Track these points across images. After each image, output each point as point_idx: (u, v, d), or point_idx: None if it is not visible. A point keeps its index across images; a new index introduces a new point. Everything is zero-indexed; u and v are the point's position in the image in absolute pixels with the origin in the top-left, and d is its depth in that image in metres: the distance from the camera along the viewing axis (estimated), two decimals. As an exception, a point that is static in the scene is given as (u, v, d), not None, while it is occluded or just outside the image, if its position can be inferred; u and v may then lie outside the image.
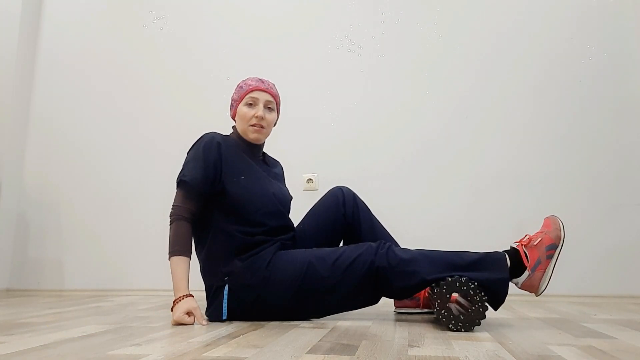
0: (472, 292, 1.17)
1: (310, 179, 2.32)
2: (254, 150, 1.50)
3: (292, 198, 1.56)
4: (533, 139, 2.16)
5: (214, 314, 1.34)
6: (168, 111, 2.54)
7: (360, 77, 2.38)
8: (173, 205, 1.37)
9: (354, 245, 1.34)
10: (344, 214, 1.50)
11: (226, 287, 1.33)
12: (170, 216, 1.36)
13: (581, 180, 2.09)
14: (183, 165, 1.41)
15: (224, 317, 1.33)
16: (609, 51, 2.16)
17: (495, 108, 2.22)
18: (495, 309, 1.23)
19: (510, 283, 1.24)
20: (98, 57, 2.67)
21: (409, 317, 1.46)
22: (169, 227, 1.36)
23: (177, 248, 1.32)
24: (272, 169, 1.57)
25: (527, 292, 1.99)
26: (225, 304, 1.33)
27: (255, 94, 1.45)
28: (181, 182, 1.38)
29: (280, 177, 1.61)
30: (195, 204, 1.37)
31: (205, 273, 1.40)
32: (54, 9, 2.77)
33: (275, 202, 1.43)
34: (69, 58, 2.71)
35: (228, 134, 1.55)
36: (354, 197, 1.53)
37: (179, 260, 1.31)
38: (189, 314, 1.28)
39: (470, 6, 2.33)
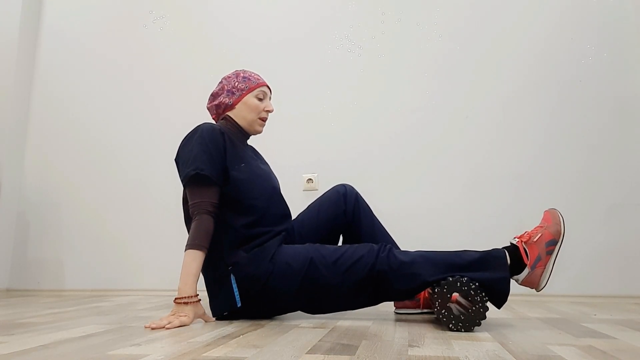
0: (472, 293, 1.17)
1: (310, 179, 2.32)
2: (244, 139, 1.53)
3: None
4: (533, 139, 2.16)
5: (224, 304, 1.33)
6: (168, 111, 2.54)
7: (361, 76, 2.38)
8: (193, 203, 1.32)
9: (356, 245, 1.34)
10: (344, 210, 1.51)
11: (232, 277, 1.33)
12: (192, 213, 1.32)
13: (581, 179, 2.09)
14: (189, 159, 1.34)
15: (239, 305, 1.32)
16: (609, 51, 2.16)
17: (496, 108, 2.22)
18: (499, 307, 1.24)
19: (511, 279, 1.24)
20: (98, 57, 2.67)
21: (409, 317, 1.46)
22: (192, 222, 1.31)
23: (197, 242, 1.28)
24: (258, 156, 1.60)
25: (528, 292, 2.00)
26: (236, 291, 1.32)
27: (265, 89, 1.51)
28: (197, 176, 1.32)
29: (267, 163, 1.63)
30: (215, 195, 1.34)
31: (207, 264, 1.35)
32: (54, 10, 2.77)
33: (275, 187, 1.48)
34: (68, 58, 2.71)
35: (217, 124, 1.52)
36: (356, 196, 1.54)
37: (196, 254, 1.28)
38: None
39: (470, 6, 2.33)
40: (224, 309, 1.34)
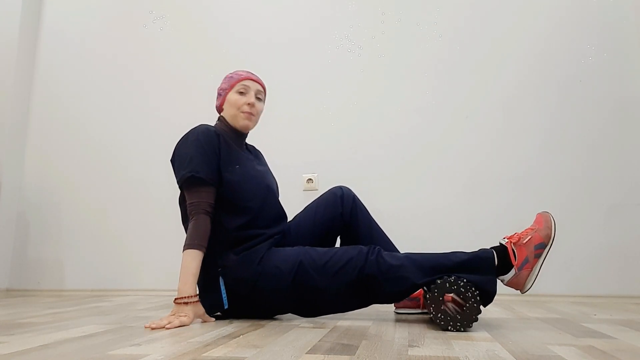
0: (463, 290, 1.19)
1: (310, 179, 2.32)
2: (240, 139, 1.52)
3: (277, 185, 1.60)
4: (533, 139, 2.16)
5: (213, 306, 1.34)
6: (168, 111, 2.54)
7: (360, 77, 2.38)
8: (190, 203, 1.34)
9: (346, 247, 1.34)
10: (341, 212, 1.51)
11: (221, 279, 1.34)
12: (190, 213, 1.34)
13: (581, 180, 2.09)
14: (185, 161, 1.35)
15: (226, 307, 1.34)
16: (609, 51, 2.16)
17: (495, 108, 2.22)
18: (484, 306, 1.25)
19: (497, 280, 1.25)
20: (98, 57, 2.67)
21: (409, 317, 1.46)
22: (190, 222, 1.33)
23: (196, 242, 1.30)
24: (257, 156, 1.60)
25: (528, 292, 2.00)
26: (224, 294, 1.34)
27: (247, 83, 1.48)
28: (193, 178, 1.33)
29: (265, 164, 1.63)
30: (212, 196, 1.36)
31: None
32: (54, 10, 2.77)
33: (271, 188, 1.47)
34: (68, 58, 2.71)
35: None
36: (354, 198, 1.53)
37: (195, 254, 1.29)
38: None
39: (470, 6, 2.33)
40: (211, 310, 1.35)
